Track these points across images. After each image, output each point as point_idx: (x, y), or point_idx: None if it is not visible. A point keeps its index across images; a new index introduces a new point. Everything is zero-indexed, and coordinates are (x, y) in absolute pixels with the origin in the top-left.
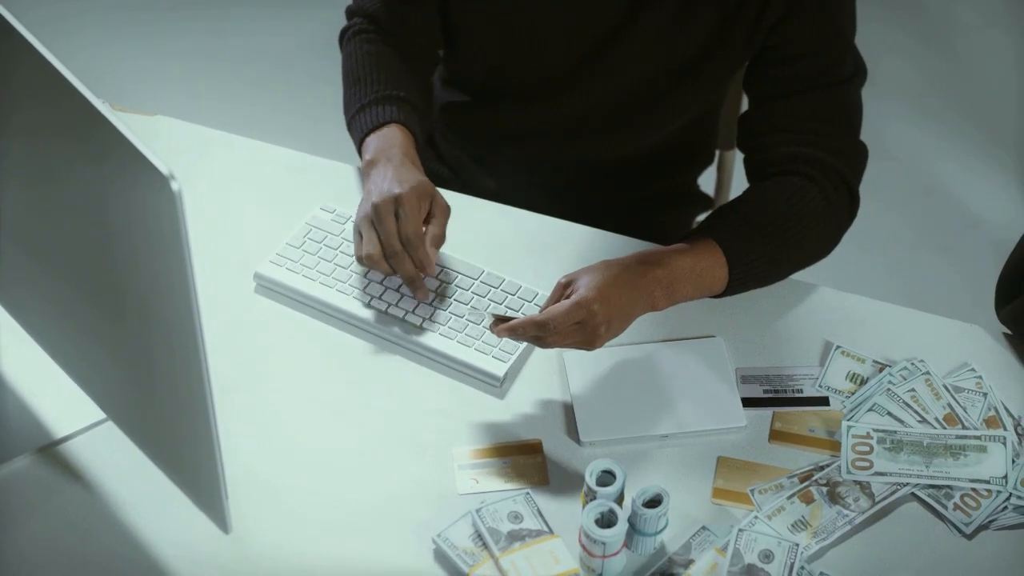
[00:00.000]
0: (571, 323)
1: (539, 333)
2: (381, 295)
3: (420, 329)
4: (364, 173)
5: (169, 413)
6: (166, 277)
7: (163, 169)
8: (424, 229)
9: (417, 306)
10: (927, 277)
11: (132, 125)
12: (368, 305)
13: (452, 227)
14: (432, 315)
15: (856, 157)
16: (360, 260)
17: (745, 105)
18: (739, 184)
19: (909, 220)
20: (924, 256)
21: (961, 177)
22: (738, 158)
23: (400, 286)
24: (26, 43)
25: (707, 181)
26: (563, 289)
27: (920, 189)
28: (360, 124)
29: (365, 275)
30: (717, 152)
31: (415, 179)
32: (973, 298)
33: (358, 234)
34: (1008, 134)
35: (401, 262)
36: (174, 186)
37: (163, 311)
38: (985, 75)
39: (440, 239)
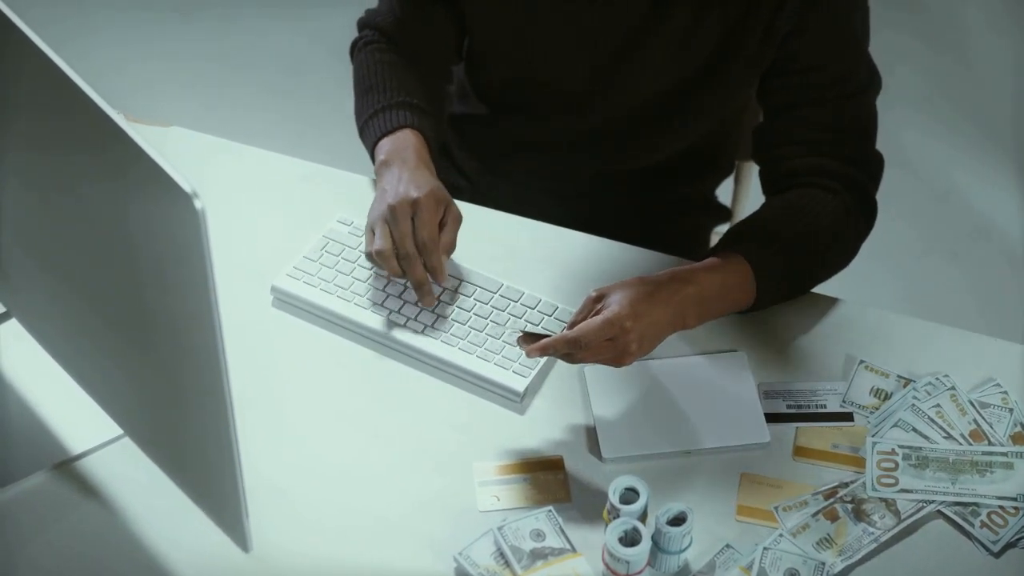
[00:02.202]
0: (603, 339)
1: (570, 350)
2: (400, 308)
3: (439, 343)
4: (377, 174)
5: (188, 430)
6: (188, 294)
7: (186, 187)
8: (438, 237)
9: (436, 320)
10: (937, 286)
11: (148, 138)
12: (387, 319)
13: (469, 239)
14: (451, 329)
15: (873, 166)
16: (369, 256)
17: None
18: (756, 194)
19: (920, 228)
20: (934, 264)
21: (972, 185)
22: (755, 168)
23: (418, 299)
24: (46, 57)
25: (724, 191)
26: (593, 303)
27: (931, 197)
28: (373, 129)
29: (383, 288)
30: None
31: (432, 184)
32: (983, 307)
33: (370, 231)
34: (1019, 140)
35: (413, 266)
36: (197, 204)
37: (184, 328)
38: (996, 81)
39: (451, 247)
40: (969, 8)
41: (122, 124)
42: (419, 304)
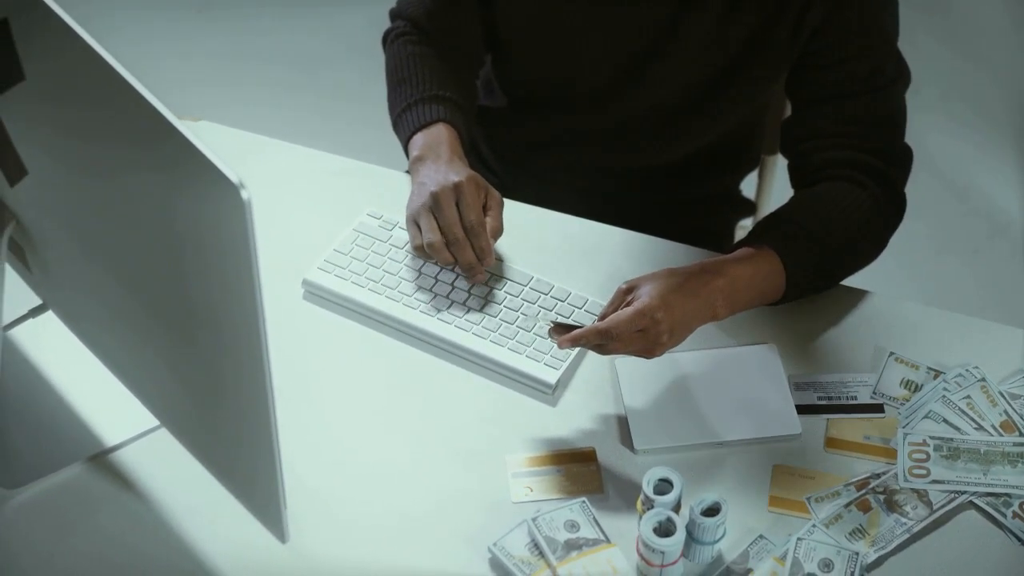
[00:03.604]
0: (633, 330)
1: (601, 341)
2: (431, 301)
3: (471, 336)
4: (412, 169)
5: (228, 421)
6: (233, 284)
7: (233, 178)
8: (484, 220)
9: (467, 312)
10: (959, 282)
11: None
12: (417, 311)
13: None
14: (482, 321)
15: (902, 160)
16: (419, 250)
17: (788, 109)
18: (781, 188)
19: (941, 226)
20: (956, 262)
21: (992, 183)
22: (780, 162)
23: (450, 292)
24: (93, 51)
25: (748, 185)
26: (624, 295)
27: (952, 195)
28: (406, 123)
29: (414, 281)
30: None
31: (469, 171)
32: (1006, 303)
33: (415, 224)
34: None
35: (463, 250)
36: (244, 195)
37: (227, 319)
38: (1014, 80)
39: (498, 230)
40: (988, 9)
41: (169, 117)
42: (450, 297)
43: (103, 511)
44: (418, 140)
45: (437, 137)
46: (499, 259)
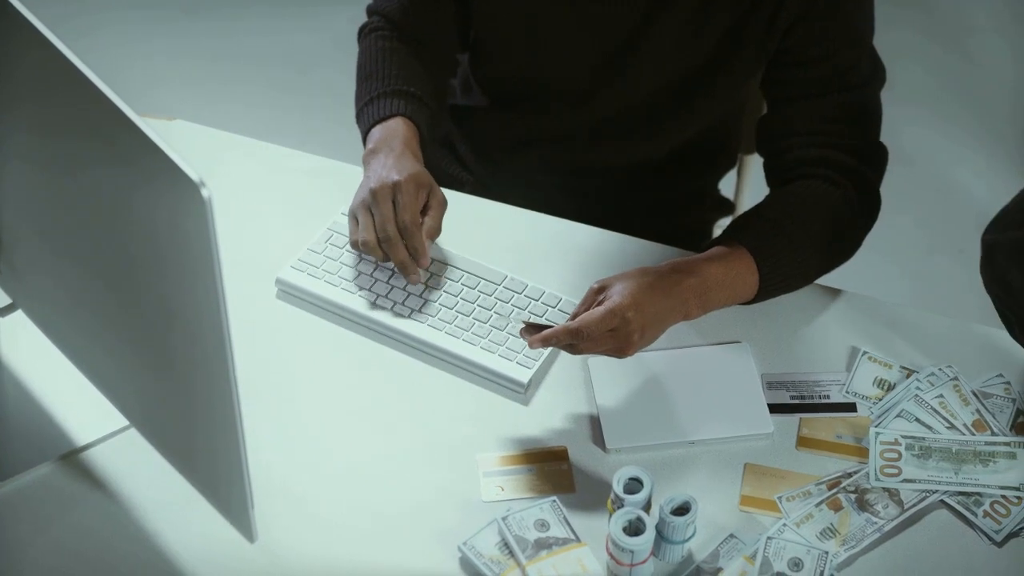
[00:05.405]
0: (605, 330)
1: (572, 340)
2: (404, 300)
3: (443, 335)
4: (364, 162)
5: (195, 420)
6: (195, 284)
7: (194, 176)
8: (421, 220)
9: (440, 311)
10: (944, 282)
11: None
12: (391, 310)
13: (472, 231)
14: (455, 320)
15: (877, 158)
16: (354, 245)
17: (765, 108)
18: (759, 187)
19: (925, 225)
20: (941, 261)
21: (977, 181)
22: (758, 162)
23: (423, 291)
24: (56, 50)
25: (727, 185)
26: (595, 295)
27: (936, 193)
28: (367, 116)
29: (387, 280)
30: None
31: (414, 168)
32: (989, 303)
33: (354, 219)
34: (1021, 134)
35: (395, 248)
36: (204, 193)
37: (191, 318)
38: (1000, 78)
39: (435, 231)
40: (973, 5)
41: (131, 115)
42: (423, 296)
43: (74, 509)
44: (375, 133)
45: (393, 131)
46: (461, 265)
